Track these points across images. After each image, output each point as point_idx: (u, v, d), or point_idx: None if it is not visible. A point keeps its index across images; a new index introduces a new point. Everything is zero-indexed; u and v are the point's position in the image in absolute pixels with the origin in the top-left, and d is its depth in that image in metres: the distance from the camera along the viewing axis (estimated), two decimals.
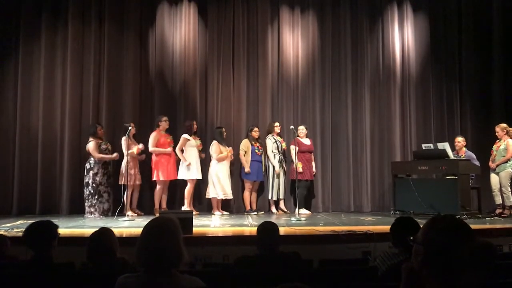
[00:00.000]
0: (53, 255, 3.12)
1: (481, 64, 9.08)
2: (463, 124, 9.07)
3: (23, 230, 3.24)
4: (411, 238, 1.67)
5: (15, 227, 5.66)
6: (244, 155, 7.95)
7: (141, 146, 7.47)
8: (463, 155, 7.62)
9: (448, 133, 8.91)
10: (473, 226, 5.51)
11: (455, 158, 7.37)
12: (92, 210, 7.16)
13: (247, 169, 7.87)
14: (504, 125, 7.58)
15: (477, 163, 7.51)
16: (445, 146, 7.33)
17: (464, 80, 9.13)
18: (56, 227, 3.18)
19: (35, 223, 3.18)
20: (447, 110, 9.08)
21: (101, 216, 7.09)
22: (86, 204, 7.23)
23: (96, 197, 7.20)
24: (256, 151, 7.99)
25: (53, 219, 3.42)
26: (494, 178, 7.52)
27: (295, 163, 7.60)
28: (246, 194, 7.98)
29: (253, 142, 8.02)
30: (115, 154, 7.39)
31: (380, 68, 8.95)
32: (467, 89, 9.09)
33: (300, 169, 7.68)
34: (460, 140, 7.78)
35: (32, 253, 3.10)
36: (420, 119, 8.98)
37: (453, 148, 7.71)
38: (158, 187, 7.60)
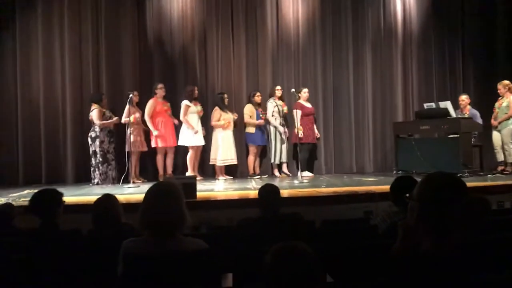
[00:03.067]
0: (60, 223, 3.18)
1: (484, 21, 8.96)
2: (466, 82, 9.02)
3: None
4: (407, 195, 1.70)
5: (22, 196, 5.74)
6: (250, 118, 7.95)
7: (137, 115, 7.45)
8: (467, 113, 7.59)
9: (451, 92, 8.88)
10: (474, 184, 5.58)
11: (457, 116, 7.35)
12: (103, 177, 7.24)
13: (259, 121, 7.88)
14: (506, 82, 7.51)
15: (480, 121, 7.48)
16: (447, 105, 7.29)
17: (466, 38, 9.02)
18: (61, 194, 3.23)
19: (40, 191, 3.22)
20: (449, 69, 9.03)
21: (107, 184, 7.16)
22: (96, 172, 7.26)
23: (106, 165, 7.28)
24: (261, 115, 7.99)
25: (59, 188, 3.46)
26: (496, 135, 7.51)
27: (296, 128, 7.62)
28: (251, 158, 8.02)
29: (256, 107, 8.01)
30: (115, 118, 7.37)
31: (382, 28, 8.84)
32: (469, 46, 9.00)
33: (300, 134, 7.69)
34: (464, 98, 7.72)
35: (39, 222, 3.15)
36: (422, 78, 8.94)
37: (457, 106, 7.68)
38: (158, 153, 7.66)
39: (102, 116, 7.29)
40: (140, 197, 5.32)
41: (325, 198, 5.33)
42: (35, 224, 3.15)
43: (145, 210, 2.33)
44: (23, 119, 7.86)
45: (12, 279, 2.43)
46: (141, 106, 7.75)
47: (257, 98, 8.03)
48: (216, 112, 7.81)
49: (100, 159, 7.24)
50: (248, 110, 8.01)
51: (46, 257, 2.53)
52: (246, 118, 7.98)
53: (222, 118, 7.77)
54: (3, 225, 3.46)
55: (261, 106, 8.09)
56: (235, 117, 7.94)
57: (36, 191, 3.29)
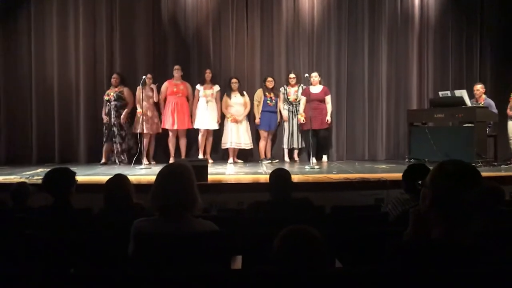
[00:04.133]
0: (72, 201, 3.21)
1: (504, 10, 8.75)
2: (482, 71, 8.85)
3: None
4: (419, 182, 1.69)
5: (36, 174, 5.81)
6: (257, 106, 7.96)
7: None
8: (482, 103, 7.46)
9: (467, 80, 8.72)
10: (487, 174, 5.50)
11: (472, 105, 7.24)
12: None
13: (257, 120, 7.92)
14: None
15: (495, 110, 7.37)
16: (462, 93, 7.18)
17: (485, 26, 8.83)
18: (74, 173, 3.26)
19: (53, 170, 3.26)
20: (466, 57, 8.85)
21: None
22: None
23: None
24: (268, 101, 7.96)
25: (71, 167, 3.49)
26: (511, 126, 7.41)
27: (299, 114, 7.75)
28: (261, 143, 8.04)
29: (266, 93, 7.98)
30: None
31: (398, 14, 8.69)
32: (487, 34, 8.81)
33: (301, 120, 7.73)
34: (479, 88, 7.59)
35: (52, 200, 3.19)
36: (438, 66, 8.79)
37: (472, 95, 7.57)
38: (170, 135, 7.74)
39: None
40: (151, 178, 5.38)
41: (335, 184, 5.31)
42: (48, 202, 3.19)
43: (156, 191, 2.34)
44: (37, 98, 7.95)
45: (25, 255, 2.46)
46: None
47: (269, 83, 7.99)
48: (224, 98, 7.87)
49: None
50: (258, 96, 8.01)
51: (59, 234, 2.57)
52: (255, 105, 7.98)
53: (228, 103, 7.83)
54: (18, 205, 3.51)
55: (273, 92, 8.06)
56: (232, 118, 7.83)
57: (49, 169, 3.32)
